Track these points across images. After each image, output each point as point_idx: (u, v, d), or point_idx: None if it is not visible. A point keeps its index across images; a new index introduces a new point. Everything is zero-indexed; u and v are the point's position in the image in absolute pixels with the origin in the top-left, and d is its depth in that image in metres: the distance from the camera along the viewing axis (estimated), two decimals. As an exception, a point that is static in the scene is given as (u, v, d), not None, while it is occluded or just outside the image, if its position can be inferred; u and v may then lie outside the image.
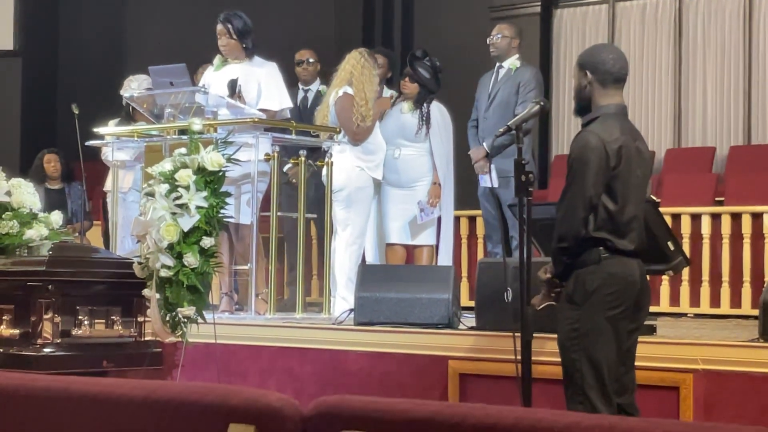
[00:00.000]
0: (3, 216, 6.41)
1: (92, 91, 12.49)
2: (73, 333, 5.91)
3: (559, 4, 12.51)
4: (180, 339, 5.86)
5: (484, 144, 8.29)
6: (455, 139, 8.45)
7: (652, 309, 6.09)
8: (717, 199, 9.91)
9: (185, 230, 5.68)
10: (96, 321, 6.00)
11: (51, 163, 10.65)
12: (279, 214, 7.70)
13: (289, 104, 8.08)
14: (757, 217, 8.89)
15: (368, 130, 8.00)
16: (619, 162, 4.62)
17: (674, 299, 9.10)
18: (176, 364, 6.19)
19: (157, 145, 7.74)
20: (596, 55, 4.81)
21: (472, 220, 10.00)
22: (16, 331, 5.92)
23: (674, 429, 2.20)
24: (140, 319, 6.15)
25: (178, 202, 5.69)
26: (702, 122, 11.68)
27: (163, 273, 5.67)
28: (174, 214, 5.68)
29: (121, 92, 9.00)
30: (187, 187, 5.69)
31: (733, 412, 5.52)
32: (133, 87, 8.90)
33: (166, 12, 14.29)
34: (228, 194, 5.95)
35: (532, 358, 4.81)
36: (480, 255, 9.56)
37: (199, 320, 5.85)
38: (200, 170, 5.76)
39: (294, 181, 8.24)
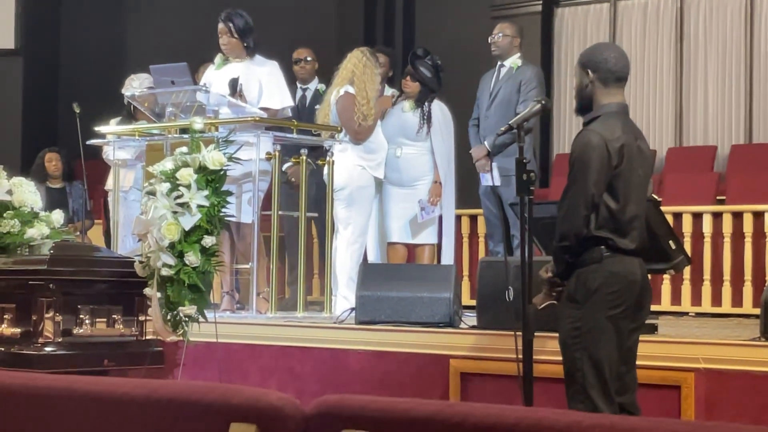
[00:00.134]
0: (4, 215, 6.42)
1: (93, 90, 12.48)
2: (75, 332, 5.92)
3: (561, 3, 12.51)
4: (181, 338, 5.87)
5: (486, 143, 8.28)
6: (456, 137, 8.45)
7: (654, 308, 6.09)
8: (718, 198, 9.91)
9: (186, 229, 5.68)
10: (97, 320, 6.01)
11: (52, 162, 10.64)
12: (280, 213, 7.70)
13: (291, 103, 8.08)
14: (758, 216, 8.89)
15: (370, 129, 8.01)
16: (620, 161, 4.62)
17: (676, 298, 9.10)
18: (177, 363, 6.20)
19: (158, 143, 7.74)
20: (598, 54, 4.80)
21: (473, 218, 10.00)
22: (18, 330, 5.92)
23: (676, 428, 2.20)
24: (141, 318, 6.15)
25: (179, 201, 5.69)
26: (703, 121, 11.68)
27: (165, 272, 5.68)
28: (175, 212, 5.69)
29: (123, 91, 8.99)
30: (188, 186, 5.70)
31: (734, 411, 5.51)
32: (135, 86, 8.89)
33: (168, 11, 14.29)
34: (229, 193, 5.95)
35: (534, 357, 4.81)
36: (481, 254, 9.56)
37: (201, 319, 5.86)
38: (201, 169, 5.77)
39: (293, 180, 8.24)
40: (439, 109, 8.30)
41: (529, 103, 6.47)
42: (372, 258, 8.31)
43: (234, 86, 7.74)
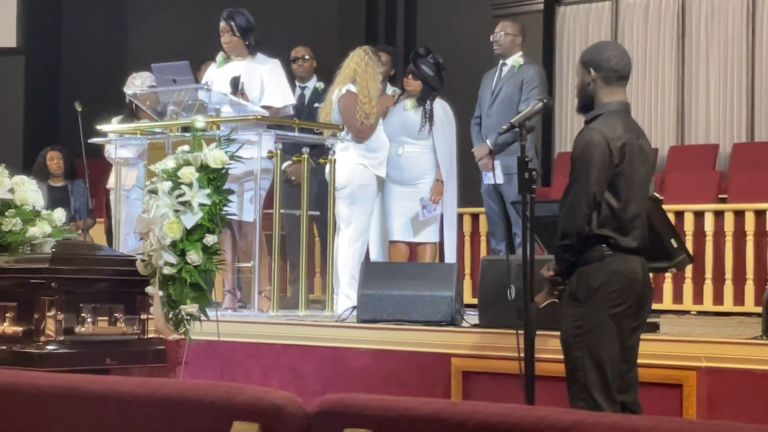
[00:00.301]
0: (6, 213, 6.41)
1: (95, 89, 12.49)
2: (76, 330, 5.91)
3: (562, 2, 12.51)
4: (183, 336, 5.86)
5: (488, 141, 8.28)
6: (458, 136, 8.45)
7: (656, 306, 6.09)
8: (720, 196, 9.90)
9: (188, 227, 5.68)
10: (99, 318, 6.00)
11: (54, 160, 10.64)
12: (282, 211, 7.70)
13: (292, 101, 8.09)
14: (760, 215, 8.88)
15: (372, 127, 8.01)
16: (622, 159, 4.62)
17: (677, 296, 9.09)
18: (179, 362, 6.20)
19: (160, 142, 7.74)
20: (600, 52, 4.80)
21: (475, 217, 9.99)
22: (19, 329, 5.92)
23: (677, 427, 2.20)
24: (143, 316, 6.15)
25: (181, 199, 5.69)
26: (705, 119, 11.68)
27: (166, 270, 5.68)
28: (177, 211, 5.68)
29: (124, 89, 8.99)
30: (190, 185, 5.70)
31: (736, 409, 5.51)
32: (137, 84, 8.89)
33: (169, 10, 14.29)
34: (231, 191, 5.95)
35: (535, 355, 4.81)
36: (483, 252, 9.56)
37: (202, 318, 5.86)
38: (203, 167, 5.77)
39: (293, 178, 8.24)
40: (441, 107, 8.31)
41: (531, 102, 6.46)
42: (374, 256, 8.31)
43: (235, 85, 7.74)
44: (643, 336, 4.90)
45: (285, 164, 8.08)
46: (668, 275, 8.91)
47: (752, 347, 5.66)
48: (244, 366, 6.86)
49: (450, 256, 8.32)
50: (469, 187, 8.94)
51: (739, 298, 8.86)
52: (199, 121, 6.09)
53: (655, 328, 6.09)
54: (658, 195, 6.18)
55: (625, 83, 4.81)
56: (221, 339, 6.08)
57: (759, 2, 11.46)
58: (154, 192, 5.78)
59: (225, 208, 5.84)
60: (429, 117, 8.22)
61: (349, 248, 7.95)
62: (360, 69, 8.01)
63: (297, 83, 9.10)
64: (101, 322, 6.02)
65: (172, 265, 5.66)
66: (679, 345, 5.81)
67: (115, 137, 8.42)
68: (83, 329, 5.92)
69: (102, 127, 8.52)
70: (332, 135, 7.98)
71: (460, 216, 9.46)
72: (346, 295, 7.75)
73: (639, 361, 4.83)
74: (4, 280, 6.08)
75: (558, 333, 4.77)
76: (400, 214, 8.21)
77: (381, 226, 8.32)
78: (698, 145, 11.53)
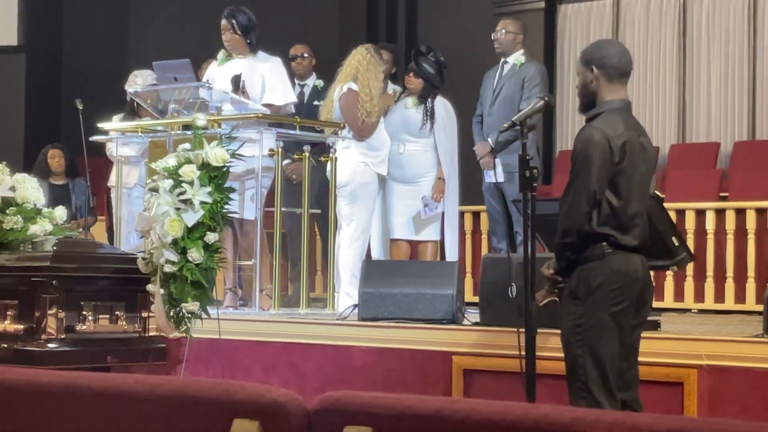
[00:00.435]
0: (7, 211, 6.41)
1: (96, 87, 12.48)
2: (77, 328, 5.91)
3: (564, 0, 12.50)
4: (184, 334, 5.87)
5: (489, 139, 8.28)
6: (460, 134, 8.45)
7: (657, 304, 6.09)
8: (721, 194, 9.90)
9: (189, 226, 5.69)
10: (100, 316, 6.00)
11: (55, 158, 10.64)
12: (283, 209, 7.70)
13: (294, 99, 8.09)
14: (761, 213, 8.88)
15: (373, 125, 8.01)
16: (623, 157, 4.61)
17: (678, 295, 9.10)
18: (180, 360, 6.20)
19: (161, 140, 7.74)
20: (602, 50, 4.80)
21: (476, 215, 10.00)
22: (21, 327, 5.92)
23: (678, 425, 2.20)
24: (144, 314, 6.15)
25: (182, 197, 5.69)
26: (706, 118, 11.67)
27: (168, 268, 5.68)
28: (178, 209, 5.69)
29: (126, 87, 9.00)
30: (191, 183, 5.70)
31: (737, 407, 5.51)
32: (138, 82, 8.90)
33: (170, 7, 14.29)
34: (232, 190, 5.95)
35: (536, 353, 4.81)
36: (484, 250, 9.56)
37: (203, 316, 5.86)
38: (204, 166, 5.77)
39: (293, 177, 8.24)
40: (442, 105, 8.31)
41: (532, 100, 6.46)
42: (375, 254, 8.31)
43: (237, 83, 7.74)
44: (644, 334, 4.90)
45: (285, 163, 8.08)
46: (669, 273, 8.91)
47: (753, 345, 5.66)
48: (245, 364, 6.86)
49: (451, 255, 8.32)
50: (471, 186, 8.94)
51: (740, 296, 8.86)
52: (201, 119, 6.09)
53: (656, 326, 6.09)
54: (659, 193, 6.18)
55: (626, 81, 4.81)
56: (222, 337, 6.09)
57: (760, 1, 11.46)
58: (155, 190, 5.79)
59: (226, 206, 5.84)
60: (430, 115, 8.22)
61: (351, 246, 7.96)
62: (362, 67, 8.01)
63: (296, 81, 9.10)
64: (102, 320, 6.02)
65: (173, 263, 5.66)
66: (680, 343, 5.82)
67: (117, 135, 8.42)
68: (84, 327, 5.92)
69: (103, 125, 8.52)
70: (333, 133, 7.98)
71: (462, 214, 9.46)
72: (347, 293, 7.76)
73: (640, 359, 4.83)
74: (6, 278, 6.08)
75: (558, 331, 4.77)
76: (401, 213, 8.21)
77: (382, 224, 8.32)
78: (699, 143, 11.53)
